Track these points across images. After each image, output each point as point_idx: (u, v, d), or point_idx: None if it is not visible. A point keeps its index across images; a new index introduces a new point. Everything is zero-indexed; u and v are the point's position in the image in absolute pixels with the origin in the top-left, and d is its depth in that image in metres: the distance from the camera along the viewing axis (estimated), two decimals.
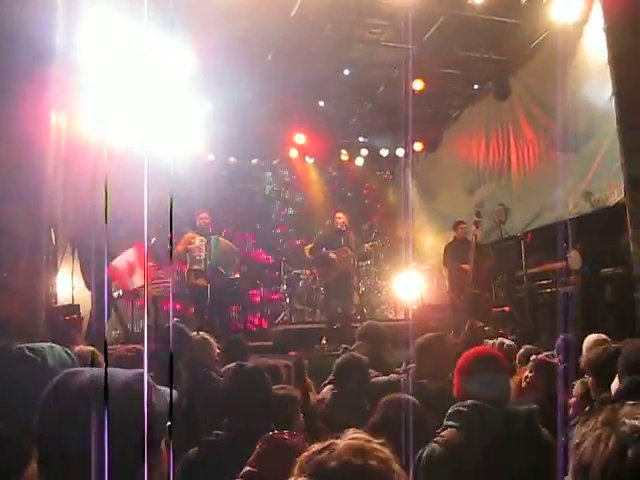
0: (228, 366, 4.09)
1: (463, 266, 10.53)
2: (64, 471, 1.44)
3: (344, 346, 6.08)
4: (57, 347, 2.44)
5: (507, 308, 10.89)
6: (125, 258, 9.81)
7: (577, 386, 4.40)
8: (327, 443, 1.56)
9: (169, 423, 1.63)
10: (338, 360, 5.05)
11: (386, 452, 1.58)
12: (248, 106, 11.91)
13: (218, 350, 5.43)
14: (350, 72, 12.33)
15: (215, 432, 3.20)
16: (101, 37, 8.19)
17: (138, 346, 4.65)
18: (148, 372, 1.65)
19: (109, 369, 1.66)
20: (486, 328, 8.34)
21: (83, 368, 1.60)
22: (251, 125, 12.90)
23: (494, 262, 10.79)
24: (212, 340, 5.27)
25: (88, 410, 1.46)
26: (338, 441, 1.57)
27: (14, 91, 6.25)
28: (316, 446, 1.56)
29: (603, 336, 5.24)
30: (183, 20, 8.49)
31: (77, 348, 3.64)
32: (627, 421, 1.31)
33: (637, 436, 1.28)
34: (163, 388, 1.72)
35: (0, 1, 6.24)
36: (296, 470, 1.54)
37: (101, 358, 3.60)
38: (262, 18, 9.86)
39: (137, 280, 9.77)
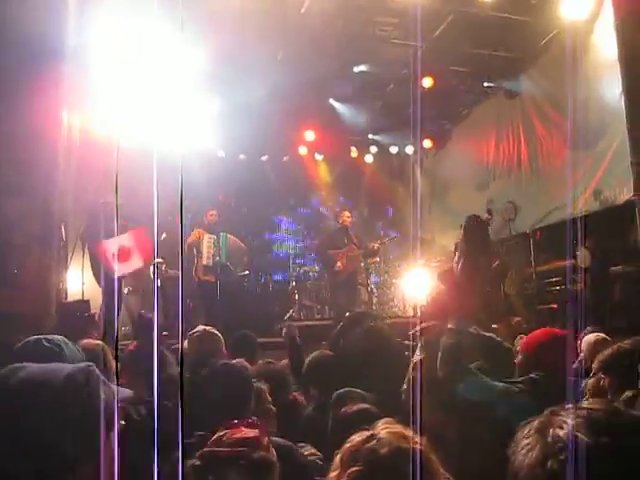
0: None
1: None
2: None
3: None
4: (69, 342, 2.49)
5: (554, 305, 10.81)
6: (118, 241, 9.77)
7: (590, 385, 4.33)
8: (369, 434, 1.64)
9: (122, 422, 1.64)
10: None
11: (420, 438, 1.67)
12: (258, 103, 11.93)
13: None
14: (360, 69, 12.33)
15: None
16: (112, 35, 8.23)
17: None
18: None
19: (54, 364, 1.67)
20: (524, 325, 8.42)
21: (26, 363, 1.61)
22: (261, 122, 12.91)
23: (503, 260, 10.78)
24: (219, 335, 5.29)
25: (25, 406, 1.47)
26: (378, 431, 1.65)
27: (26, 88, 6.30)
28: (357, 437, 1.64)
29: (603, 335, 5.24)
30: (194, 18, 8.52)
31: (84, 341, 3.66)
32: (552, 430, 1.27)
33: (559, 446, 1.24)
34: (121, 388, 1.72)
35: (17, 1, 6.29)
36: (342, 462, 1.61)
37: (110, 353, 3.64)
38: (272, 15, 9.89)
39: (125, 267, 9.73)
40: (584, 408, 1.32)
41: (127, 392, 2.01)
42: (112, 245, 9.75)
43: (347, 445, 1.64)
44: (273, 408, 3.78)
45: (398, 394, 3.57)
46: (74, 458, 1.45)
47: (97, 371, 1.59)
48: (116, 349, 3.95)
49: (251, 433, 2.70)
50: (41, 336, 2.42)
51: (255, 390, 3.58)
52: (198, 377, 3.49)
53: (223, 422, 2.55)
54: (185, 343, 4.93)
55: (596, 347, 4.98)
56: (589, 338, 5.27)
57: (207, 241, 10.75)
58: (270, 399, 3.80)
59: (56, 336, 2.45)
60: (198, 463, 2.41)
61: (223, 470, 2.46)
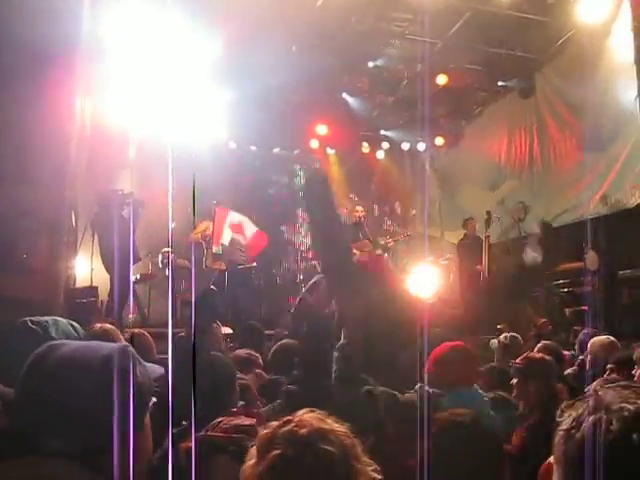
0: None
1: (477, 267, 10.68)
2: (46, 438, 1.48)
3: None
4: (62, 321, 2.51)
5: (585, 307, 10.76)
6: (240, 218, 11.26)
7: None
8: (285, 419, 1.58)
9: (154, 400, 1.66)
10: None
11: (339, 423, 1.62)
12: (271, 95, 11.92)
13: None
14: (374, 65, 12.30)
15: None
16: (125, 25, 8.24)
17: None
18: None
19: (91, 342, 1.70)
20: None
21: (65, 341, 1.63)
22: (274, 114, 12.90)
23: (509, 261, 10.81)
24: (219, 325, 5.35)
25: (67, 382, 1.50)
26: (295, 416, 1.59)
27: (39, 77, 6.33)
28: (274, 424, 1.58)
29: (611, 338, 5.25)
30: (209, 8, 8.52)
31: (98, 325, 3.69)
32: (627, 405, 1.29)
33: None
34: (149, 364, 1.75)
35: None
36: (259, 449, 1.54)
37: (119, 337, 3.67)
38: (288, 8, 9.88)
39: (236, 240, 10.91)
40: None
41: (159, 371, 2.05)
42: (236, 217, 10.60)
43: (263, 432, 1.57)
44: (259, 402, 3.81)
45: None
46: (110, 437, 1.46)
47: (133, 351, 1.61)
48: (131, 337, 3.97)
49: (247, 421, 2.72)
50: (27, 318, 2.44)
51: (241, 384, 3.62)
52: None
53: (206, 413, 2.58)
54: None
55: (604, 348, 5.01)
56: (600, 340, 5.27)
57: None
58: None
59: (44, 317, 2.47)
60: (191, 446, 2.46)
61: (215, 455, 2.48)
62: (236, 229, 11.19)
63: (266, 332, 6.86)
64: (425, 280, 12.24)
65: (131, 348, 1.62)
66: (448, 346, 4.02)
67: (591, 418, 1.30)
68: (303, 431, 1.52)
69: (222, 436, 2.49)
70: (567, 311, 10.16)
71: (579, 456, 1.28)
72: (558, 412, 1.39)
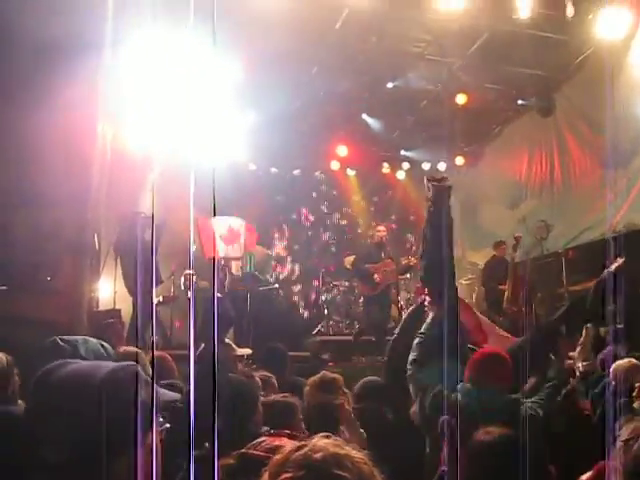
0: None
1: (500, 287, 10.67)
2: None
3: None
4: (92, 340, 2.53)
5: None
6: (228, 222, 9.90)
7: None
8: (300, 443, 1.53)
9: (167, 425, 1.66)
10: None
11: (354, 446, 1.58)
12: (291, 117, 12.00)
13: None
14: (394, 85, 12.34)
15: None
16: (146, 47, 8.33)
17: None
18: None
19: (103, 362, 1.71)
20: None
21: (77, 360, 1.64)
22: (294, 136, 12.98)
23: (532, 280, 10.75)
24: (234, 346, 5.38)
25: (72, 399, 1.52)
26: (310, 441, 1.53)
27: (61, 99, 6.42)
28: (288, 447, 1.54)
29: (634, 360, 5.17)
30: (230, 31, 8.61)
31: (122, 348, 3.72)
32: None
33: None
34: (163, 390, 1.75)
35: (53, 11, 6.41)
36: (270, 474, 1.49)
37: (144, 360, 3.69)
38: (308, 30, 9.97)
39: (229, 250, 10.03)
40: None
41: (173, 396, 1.99)
42: (220, 225, 9.93)
43: (276, 457, 1.52)
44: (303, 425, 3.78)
45: None
46: (107, 452, 1.47)
47: (140, 371, 1.62)
48: (152, 357, 3.98)
49: (289, 443, 2.71)
50: (57, 336, 2.47)
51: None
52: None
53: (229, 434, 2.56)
54: None
55: (629, 372, 4.94)
56: (622, 364, 5.19)
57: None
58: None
59: (74, 337, 2.49)
60: (232, 462, 2.45)
61: (255, 472, 2.47)
62: (229, 239, 10.93)
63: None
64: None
65: (136, 366, 1.63)
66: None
67: None
68: (317, 455, 1.46)
69: (263, 455, 2.47)
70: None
71: (634, 465, 1.29)
72: (617, 425, 1.41)
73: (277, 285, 12.00)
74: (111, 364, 1.64)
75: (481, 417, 3.60)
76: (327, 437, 1.56)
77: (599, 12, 9.30)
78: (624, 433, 1.38)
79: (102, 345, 2.54)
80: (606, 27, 9.63)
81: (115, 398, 1.51)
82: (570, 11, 9.24)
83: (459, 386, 4.18)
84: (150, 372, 1.73)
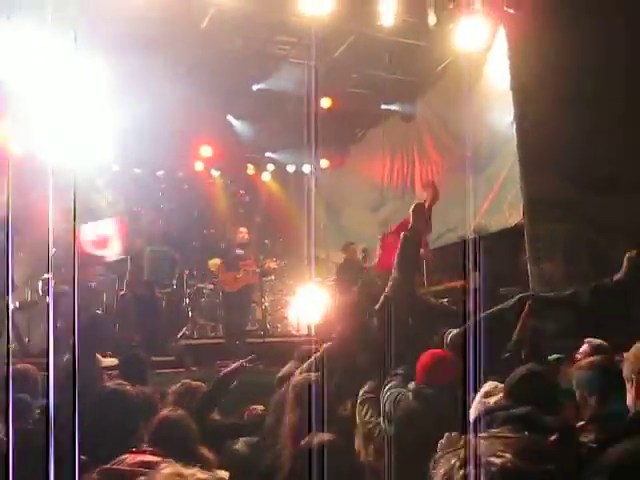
0: None
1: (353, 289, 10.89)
2: None
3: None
4: None
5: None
6: (94, 228, 9.99)
7: None
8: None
9: None
10: None
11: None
12: (154, 117, 11.69)
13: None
14: (259, 87, 12.32)
15: None
16: (9, 50, 7.90)
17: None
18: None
19: None
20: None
21: None
22: (158, 137, 12.68)
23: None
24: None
25: None
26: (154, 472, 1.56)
27: None
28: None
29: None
30: (91, 28, 8.28)
31: None
32: (494, 460, 1.30)
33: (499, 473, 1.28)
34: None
35: None
36: None
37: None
38: (173, 29, 9.77)
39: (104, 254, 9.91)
40: None
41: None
42: (88, 232, 9.55)
43: None
44: None
45: None
46: None
47: None
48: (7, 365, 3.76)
49: (153, 459, 2.62)
50: None
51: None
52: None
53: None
54: None
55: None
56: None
57: None
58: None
59: None
60: (96, 478, 2.37)
61: None
62: (99, 244, 10.48)
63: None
64: (312, 301, 12.27)
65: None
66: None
67: (461, 472, 1.30)
68: None
69: (127, 470, 2.38)
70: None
71: None
72: (432, 462, 1.39)
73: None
74: None
75: None
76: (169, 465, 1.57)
77: (459, 22, 9.60)
78: (440, 472, 1.37)
79: None
80: (465, 37, 9.96)
81: None
82: (432, 20, 9.49)
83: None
84: None
